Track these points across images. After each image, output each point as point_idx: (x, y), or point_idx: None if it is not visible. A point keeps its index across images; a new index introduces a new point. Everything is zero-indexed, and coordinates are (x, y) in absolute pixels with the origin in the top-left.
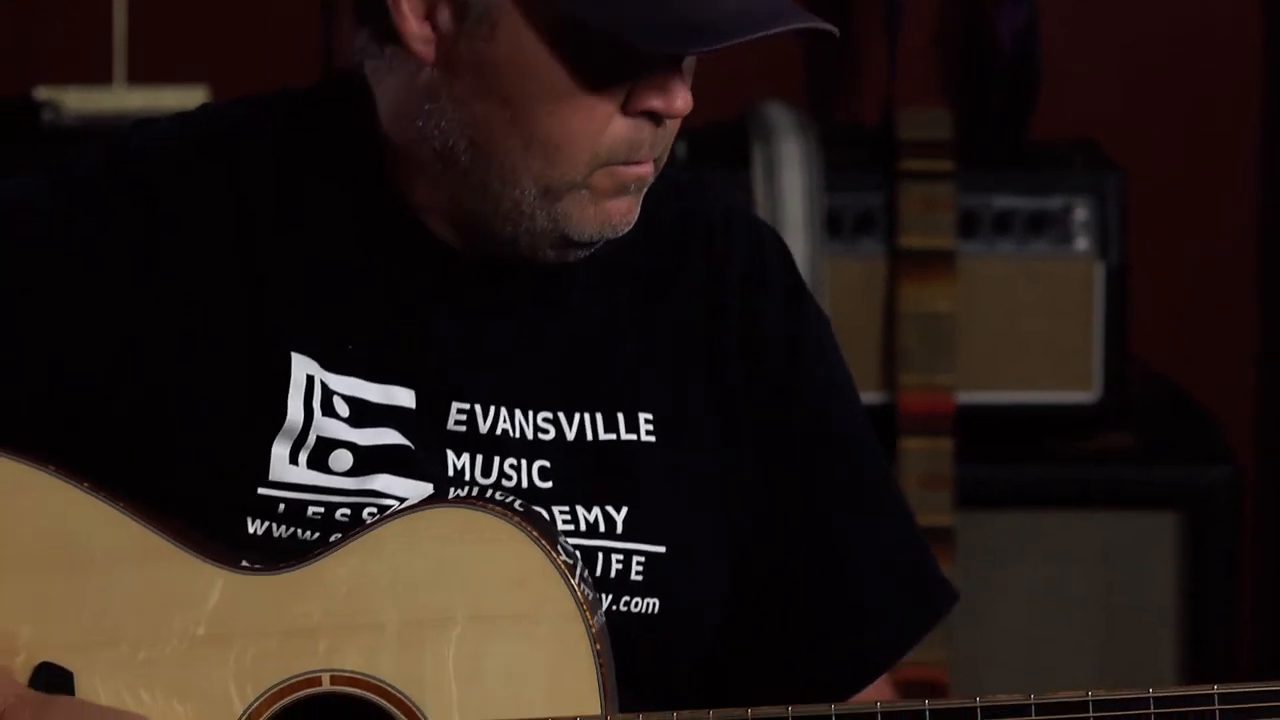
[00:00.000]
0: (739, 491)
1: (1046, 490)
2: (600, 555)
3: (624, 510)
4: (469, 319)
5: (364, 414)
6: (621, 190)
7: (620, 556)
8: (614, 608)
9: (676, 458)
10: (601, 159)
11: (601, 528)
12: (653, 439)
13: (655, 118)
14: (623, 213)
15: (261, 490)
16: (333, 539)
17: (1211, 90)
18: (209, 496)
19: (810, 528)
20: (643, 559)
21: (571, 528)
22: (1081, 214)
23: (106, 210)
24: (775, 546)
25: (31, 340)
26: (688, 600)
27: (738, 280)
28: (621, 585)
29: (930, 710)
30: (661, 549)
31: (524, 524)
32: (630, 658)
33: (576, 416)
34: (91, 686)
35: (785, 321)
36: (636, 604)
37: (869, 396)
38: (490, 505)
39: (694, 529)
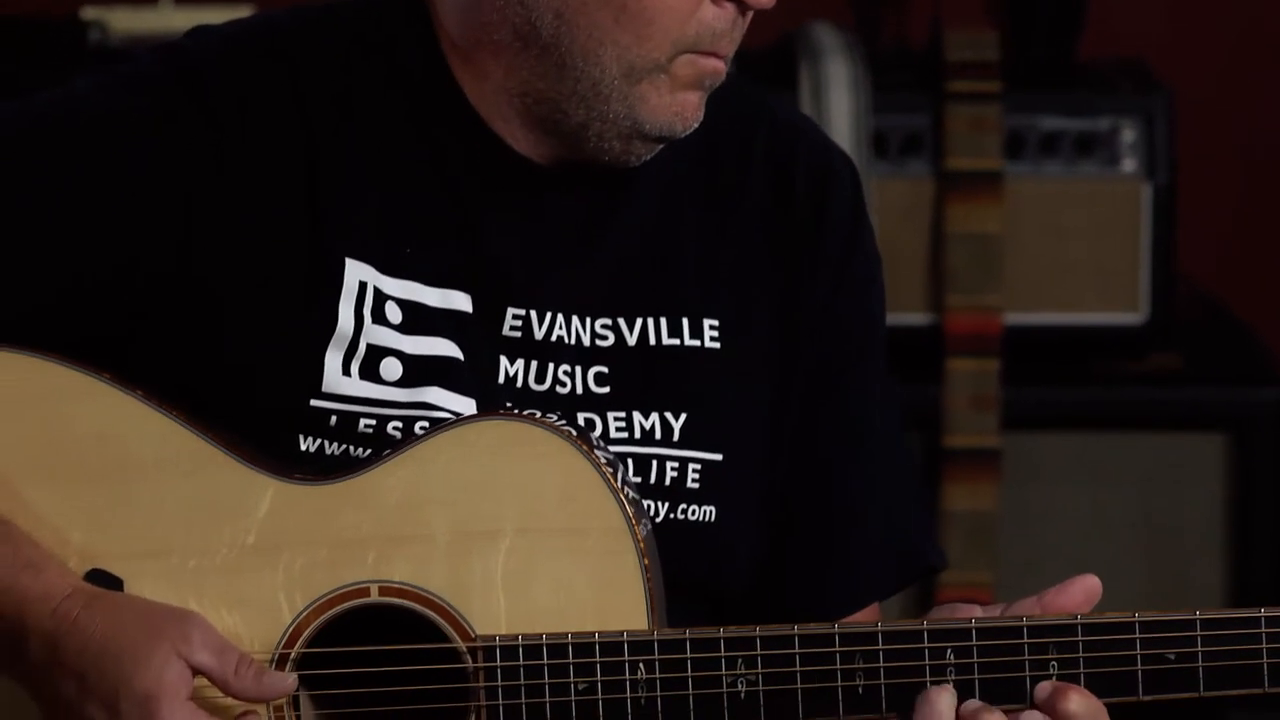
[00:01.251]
0: (787, 403)
1: (1093, 411)
2: (655, 462)
3: (682, 417)
4: (530, 224)
5: (418, 320)
6: (696, 84)
7: (676, 464)
8: (670, 516)
9: (739, 365)
10: (687, 43)
11: (658, 434)
12: (717, 345)
13: (741, 7)
14: (694, 107)
15: (314, 402)
16: (385, 453)
17: (1258, 9)
18: (262, 412)
19: (815, 457)
20: (699, 466)
21: (626, 435)
22: (1129, 135)
23: (166, 110)
24: (788, 465)
25: (89, 241)
26: (744, 508)
27: (805, 191)
28: (677, 493)
29: (977, 629)
30: (719, 456)
31: (572, 438)
32: (686, 566)
33: (639, 321)
34: (140, 593)
35: (845, 241)
36: (693, 512)
37: (916, 318)
38: (539, 419)
39: (751, 437)
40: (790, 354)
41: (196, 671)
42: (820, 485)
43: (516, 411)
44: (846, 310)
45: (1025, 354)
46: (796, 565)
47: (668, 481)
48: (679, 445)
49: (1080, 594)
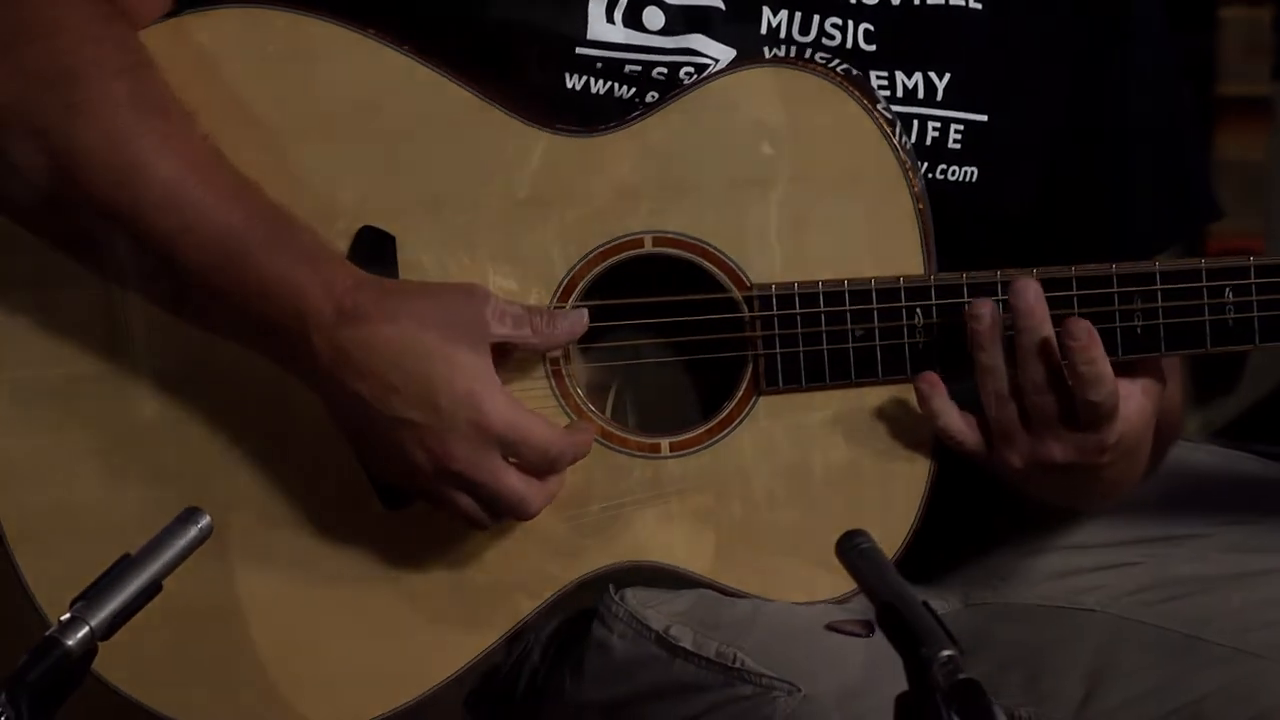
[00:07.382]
0: (1064, 59)
1: None
2: (917, 122)
3: (945, 77)
4: None
5: None
6: None
7: (938, 124)
8: (930, 175)
9: (1004, 25)
10: None
11: (921, 94)
12: (980, 6)
13: None
14: None
15: (579, 50)
16: (649, 98)
17: None
18: (527, 58)
19: (1112, 108)
20: (961, 127)
21: (888, 94)
22: None
23: None
24: (1079, 117)
25: None
26: (1006, 169)
27: None
28: (938, 153)
29: (1256, 266)
30: (984, 118)
31: (845, 84)
32: (946, 225)
33: None
34: (413, 250)
35: None
36: (953, 172)
37: None
38: (811, 66)
39: (1017, 98)
40: (1065, 7)
41: (500, 342)
42: (1108, 136)
43: (785, 57)
44: None
45: None
46: (1082, 211)
47: (929, 141)
48: (941, 105)
49: None
